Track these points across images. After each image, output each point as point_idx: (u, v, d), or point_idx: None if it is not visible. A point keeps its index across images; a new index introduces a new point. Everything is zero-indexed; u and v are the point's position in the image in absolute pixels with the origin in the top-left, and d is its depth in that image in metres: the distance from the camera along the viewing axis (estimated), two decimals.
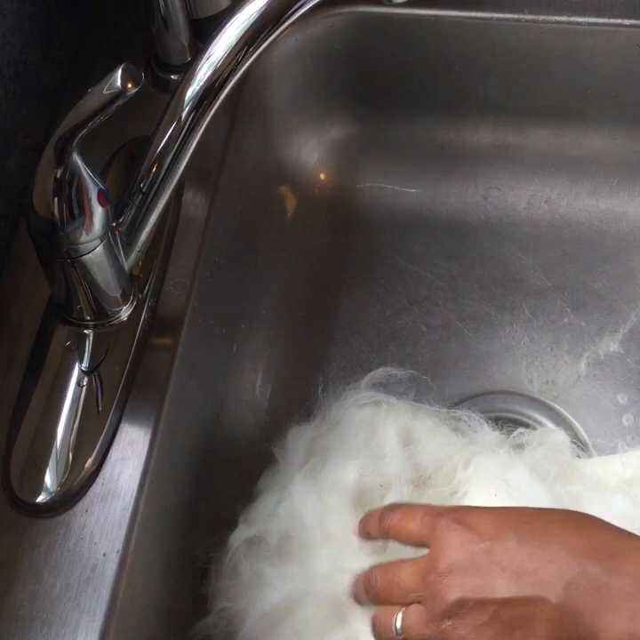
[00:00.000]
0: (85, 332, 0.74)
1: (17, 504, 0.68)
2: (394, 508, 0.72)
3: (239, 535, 0.77)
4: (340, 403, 0.83)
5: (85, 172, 0.65)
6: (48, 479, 0.69)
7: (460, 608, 0.64)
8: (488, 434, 0.82)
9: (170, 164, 0.69)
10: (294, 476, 0.78)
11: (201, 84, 0.67)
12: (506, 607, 0.63)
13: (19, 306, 0.76)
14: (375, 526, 0.73)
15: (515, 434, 0.83)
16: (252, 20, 0.67)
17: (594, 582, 0.62)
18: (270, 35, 0.67)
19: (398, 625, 0.68)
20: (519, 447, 0.81)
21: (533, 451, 0.80)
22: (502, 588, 0.63)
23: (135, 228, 0.71)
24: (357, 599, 0.72)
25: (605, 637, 0.61)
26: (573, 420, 0.89)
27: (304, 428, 0.82)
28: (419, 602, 0.67)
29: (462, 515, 0.67)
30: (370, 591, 0.71)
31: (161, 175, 0.69)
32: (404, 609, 0.68)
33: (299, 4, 0.67)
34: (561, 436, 0.83)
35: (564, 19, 0.91)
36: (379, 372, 0.86)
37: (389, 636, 0.69)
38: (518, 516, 0.66)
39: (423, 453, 0.80)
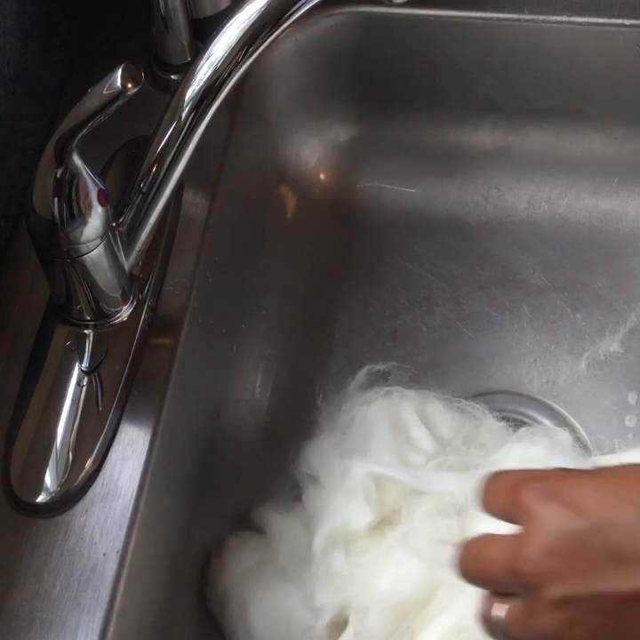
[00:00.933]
0: (85, 332, 0.74)
1: (17, 504, 0.68)
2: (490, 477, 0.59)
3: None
4: (348, 403, 0.83)
5: (85, 172, 0.65)
6: (48, 479, 0.69)
7: (566, 605, 0.52)
8: (493, 423, 0.83)
9: (170, 164, 0.69)
10: (337, 495, 0.77)
11: (201, 84, 0.67)
12: (631, 602, 0.51)
13: (19, 306, 0.76)
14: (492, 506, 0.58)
15: (518, 432, 0.83)
16: (252, 20, 0.67)
17: None
18: (270, 35, 0.67)
19: (500, 621, 0.56)
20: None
21: (537, 445, 0.81)
22: (620, 577, 0.51)
23: (135, 228, 0.71)
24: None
25: None
26: (573, 420, 0.89)
27: (321, 439, 0.82)
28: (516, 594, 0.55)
29: (556, 483, 0.54)
30: (463, 576, 0.58)
31: (161, 175, 0.69)
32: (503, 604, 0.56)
33: (299, 4, 0.67)
34: (563, 435, 0.83)
35: (564, 19, 0.91)
36: (379, 372, 0.86)
37: (494, 629, 0.56)
38: (624, 476, 0.54)
39: (443, 427, 0.82)
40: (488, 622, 0.57)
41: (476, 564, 0.57)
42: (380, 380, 0.87)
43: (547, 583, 0.52)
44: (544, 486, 0.54)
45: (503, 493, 0.56)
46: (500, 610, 0.56)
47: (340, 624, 0.76)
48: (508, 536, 0.55)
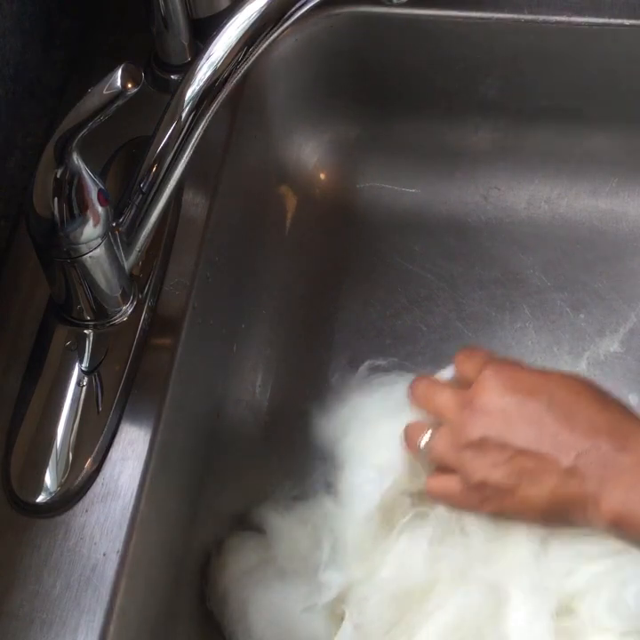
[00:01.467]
0: (85, 331, 0.74)
1: (17, 504, 0.68)
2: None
3: None
4: (351, 397, 0.83)
5: (85, 172, 0.65)
6: (48, 479, 0.69)
7: (482, 444, 0.71)
8: None
9: (170, 164, 0.69)
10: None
11: (201, 84, 0.67)
12: (521, 455, 0.70)
13: (19, 306, 0.76)
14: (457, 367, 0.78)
15: None
16: (252, 20, 0.67)
17: (603, 456, 0.68)
18: (270, 35, 0.67)
19: (423, 441, 0.75)
20: None
21: None
22: (523, 438, 0.70)
23: (135, 228, 0.71)
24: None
25: (605, 505, 0.67)
26: None
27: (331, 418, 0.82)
28: (447, 427, 0.74)
29: (510, 368, 0.74)
30: (410, 393, 0.78)
31: (161, 175, 0.69)
32: (432, 429, 0.75)
33: (299, 4, 0.67)
34: None
35: (564, 19, 0.91)
36: (378, 372, 0.86)
37: (414, 447, 0.76)
38: (557, 382, 0.72)
39: None
40: (412, 442, 0.75)
41: (427, 389, 0.77)
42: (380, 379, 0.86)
43: (477, 426, 0.71)
44: (502, 365, 0.74)
45: (472, 362, 0.76)
46: (426, 435, 0.75)
47: (336, 618, 0.76)
48: (461, 390, 0.74)
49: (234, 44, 0.67)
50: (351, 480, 0.78)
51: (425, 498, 0.77)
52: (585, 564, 0.73)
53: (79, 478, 0.69)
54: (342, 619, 0.76)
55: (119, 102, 0.61)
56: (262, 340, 0.92)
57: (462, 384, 0.76)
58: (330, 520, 0.79)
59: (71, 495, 0.69)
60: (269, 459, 0.85)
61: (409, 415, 0.78)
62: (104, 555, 0.67)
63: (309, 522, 0.80)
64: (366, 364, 0.86)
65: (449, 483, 0.74)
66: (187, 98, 0.68)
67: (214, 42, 0.67)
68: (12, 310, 0.76)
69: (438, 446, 0.74)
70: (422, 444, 0.75)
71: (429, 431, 0.75)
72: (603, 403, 0.71)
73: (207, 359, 0.82)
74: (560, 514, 0.70)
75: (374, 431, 0.79)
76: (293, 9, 0.67)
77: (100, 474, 0.69)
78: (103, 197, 0.67)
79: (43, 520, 0.68)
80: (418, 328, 0.94)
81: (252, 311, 0.92)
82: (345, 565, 0.77)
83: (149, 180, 0.70)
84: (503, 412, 0.71)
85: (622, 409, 0.72)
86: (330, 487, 0.81)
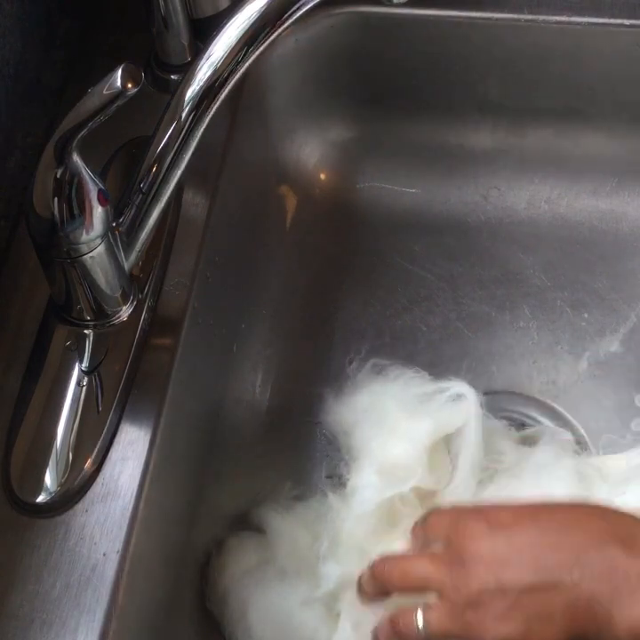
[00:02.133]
0: (85, 332, 0.74)
1: (17, 504, 0.68)
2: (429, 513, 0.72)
3: None
4: (350, 395, 0.83)
5: (85, 172, 0.65)
6: (48, 479, 0.69)
7: (482, 597, 0.64)
8: (495, 422, 0.84)
9: (170, 163, 0.69)
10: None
11: (201, 84, 0.67)
12: (525, 595, 0.63)
13: (19, 306, 0.76)
14: (417, 537, 0.71)
15: (521, 433, 0.84)
16: (252, 20, 0.67)
17: (610, 564, 0.61)
18: (270, 35, 0.67)
19: (420, 621, 0.66)
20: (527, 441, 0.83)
21: (544, 452, 0.81)
22: (520, 575, 0.63)
23: (135, 228, 0.71)
24: (365, 593, 0.71)
25: (619, 622, 0.60)
26: (573, 420, 0.89)
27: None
28: (437, 596, 0.66)
29: (482, 509, 0.68)
30: (379, 577, 0.70)
31: (161, 175, 0.69)
32: (423, 604, 0.66)
33: (299, 4, 0.67)
34: (565, 436, 0.84)
35: (564, 19, 0.91)
36: (378, 371, 0.86)
37: (412, 634, 0.67)
38: (538, 506, 0.67)
39: None
40: (408, 629, 0.66)
41: (399, 565, 0.69)
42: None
43: (471, 580, 0.64)
44: (473, 509, 0.69)
45: (439, 520, 0.69)
46: (419, 614, 0.66)
47: (336, 617, 0.76)
48: (438, 551, 0.67)
49: (234, 43, 0.67)
50: (356, 478, 0.78)
51: (430, 496, 0.77)
52: None
53: (79, 478, 0.69)
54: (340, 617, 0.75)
55: (119, 102, 0.61)
56: (262, 339, 0.92)
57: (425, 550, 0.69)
58: (331, 515, 0.78)
59: (71, 495, 0.69)
60: (269, 459, 0.85)
61: (419, 411, 0.78)
62: (104, 555, 0.67)
63: (309, 522, 0.80)
64: (366, 363, 0.86)
65: None
66: (187, 98, 0.68)
67: (214, 42, 0.67)
68: (12, 310, 0.76)
69: (438, 620, 0.66)
70: (420, 625, 0.66)
71: (419, 610, 0.66)
72: (595, 511, 0.66)
73: (207, 359, 0.82)
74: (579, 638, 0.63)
75: (380, 428, 0.79)
76: (293, 9, 0.67)
77: (100, 474, 0.69)
78: (103, 197, 0.67)
79: (43, 520, 0.68)
80: (418, 328, 0.94)
81: (252, 311, 0.92)
82: (344, 560, 0.76)
83: (149, 180, 0.70)
84: (494, 554, 0.65)
85: (618, 512, 0.65)
86: (333, 484, 0.81)
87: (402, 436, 0.77)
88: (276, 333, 0.93)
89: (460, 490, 0.77)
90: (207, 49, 0.67)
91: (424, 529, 0.70)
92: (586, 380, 0.91)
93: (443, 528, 0.68)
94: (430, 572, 0.66)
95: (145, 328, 0.75)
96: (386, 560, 0.70)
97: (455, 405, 0.79)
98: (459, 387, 0.80)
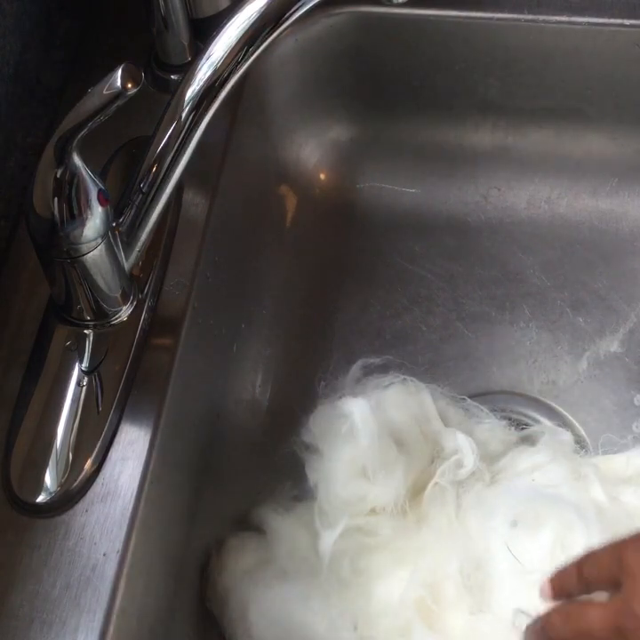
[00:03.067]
0: (85, 332, 0.74)
1: (17, 504, 0.68)
2: (585, 555, 0.63)
3: None
4: (347, 397, 0.83)
5: (85, 171, 0.65)
6: (48, 479, 0.69)
7: None
8: (495, 422, 0.84)
9: (170, 163, 0.69)
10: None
11: (201, 83, 0.67)
12: None
13: (19, 306, 0.76)
14: (573, 580, 0.63)
15: (521, 433, 0.84)
16: (252, 20, 0.67)
17: None
18: (270, 35, 0.67)
19: None
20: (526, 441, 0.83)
21: (541, 452, 0.81)
22: None
23: (135, 228, 0.71)
24: None
25: None
26: (573, 420, 0.89)
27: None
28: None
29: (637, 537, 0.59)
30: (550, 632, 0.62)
31: (161, 175, 0.69)
32: None
33: (299, 4, 0.67)
34: (565, 436, 0.84)
35: (564, 19, 0.91)
36: (378, 371, 0.86)
37: None
38: None
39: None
40: None
41: (570, 622, 0.60)
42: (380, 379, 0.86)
43: None
44: None
45: (605, 559, 0.59)
46: None
47: None
48: (610, 600, 0.58)
49: (234, 43, 0.67)
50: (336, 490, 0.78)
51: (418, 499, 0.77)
52: None
53: (79, 478, 0.69)
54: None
55: (119, 102, 0.61)
56: (262, 339, 0.92)
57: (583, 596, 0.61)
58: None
59: (71, 495, 0.69)
60: (269, 459, 0.85)
61: (407, 415, 0.78)
62: (104, 555, 0.67)
63: (309, 522, 0.80)
64: (366, 363, 0.86)
65: None
66: (187, 98, 0.68)
67: (214, 42, 0.67)
68: (12, 310, 0.76)
69: None
70: None
71: None
72: None
73: (207, 359, 0.82)
74: None
75: (370, 435, 0.79)
76: (293, 9, 0.67)
77: (100, 474, 0.69)
78: (103, 197, 0.67)
79: (43, 520, 0.68)
80: (418, 328, 0.94)
81: (252, 311, 0.92)
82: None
83: (149, 179, 0.70)
84: None
85: None
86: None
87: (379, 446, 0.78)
88: (276, 333, 0.93)
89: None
90: (207, 49, 0.67)
91: (582, 570, 0.61)
92: (586, 380, 0.91)
93: (601, 567, 0.60)
94: (602, 630, 0.58)
95: (145, 328, 0.75)
96: (551, 615, 0.62)
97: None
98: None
